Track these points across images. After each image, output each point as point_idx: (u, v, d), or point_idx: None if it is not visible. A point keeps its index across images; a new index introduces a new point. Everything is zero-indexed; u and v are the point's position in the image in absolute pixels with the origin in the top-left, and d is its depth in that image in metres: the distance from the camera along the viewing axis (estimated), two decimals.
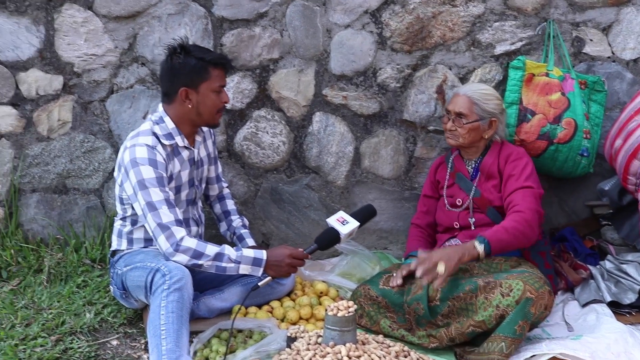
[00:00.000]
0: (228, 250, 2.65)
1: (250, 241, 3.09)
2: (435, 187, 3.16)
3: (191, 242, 2.59)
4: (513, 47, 3.36)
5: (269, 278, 2.67)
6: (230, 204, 3.21)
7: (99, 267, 3.32)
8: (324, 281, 3.17)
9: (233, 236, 3.14)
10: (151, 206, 2.60)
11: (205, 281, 2.90)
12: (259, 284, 2.65)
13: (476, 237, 2.67)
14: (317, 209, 3.53)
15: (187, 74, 2.74)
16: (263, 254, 2.69)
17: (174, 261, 2.58)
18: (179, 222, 2.61)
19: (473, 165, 3.05)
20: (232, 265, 2.64)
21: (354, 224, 2.74)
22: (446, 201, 3.07)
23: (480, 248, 2.63)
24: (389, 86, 3.42)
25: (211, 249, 2.62)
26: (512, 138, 3.20)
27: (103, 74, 3.37)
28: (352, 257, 3.28)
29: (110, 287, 2.97)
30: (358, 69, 3.41)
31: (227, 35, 3.35)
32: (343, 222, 2.74)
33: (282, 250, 2.73)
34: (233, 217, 3.17)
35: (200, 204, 3.06)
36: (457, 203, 3.01)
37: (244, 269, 2.66)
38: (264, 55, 3.38)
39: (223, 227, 3.18)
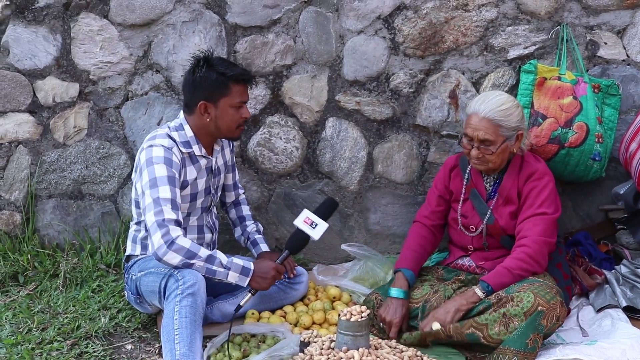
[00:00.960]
0: (220, 254, 2.64)
1: (264, 246, 3.07)
2: (449, 194, 2.97)
3: (185, 242, 2.57)
4: (526, 52, 3.34)
5: (249, 295, 2.67)
6: (246, 210, 3.20)
7: (114, 272, 3.34)
8: (337, 286, 3.15)
9: (247, 241, 3.13)
10: (156, 203, 2.59)
11: (219, 286, 2.90)
12: (241, 303, 2.66)
13: (479, 283, 2.66)
14: None
15: (207, 88, 2.73)
16: (251, 265, 2.68)
17: (164, 261, 2.55)
18: (177, 223, 2.59)
19: (492, 183, 2.85)
20: (222, 270, 2.62)
21: (323, 226, 2.73)
22: (460, 220, 2.90)
23: (482, 296, 2.62)
24: (401, 91, 3.41)
25: (204, 251, 2.60)
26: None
27: (118, 81, 3.39)
28: (365, 262, 3.25)
29: (125, 292, 2.99)
30: (371, 75, 3.40)
31: (240, 42, 3.36)
32: (312, 225, 2.72)
33: (269, 263, 2.71)
34: (248, 223, 3.16)
35: (215, 211, 3.06)
36: (471, 229, 2.87)
37: (232, 276, 2.64)
38: (277, 61, 3.38)
39: (238, 232, 3.18)
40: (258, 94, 3.41)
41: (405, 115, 3.44)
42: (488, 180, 2.87)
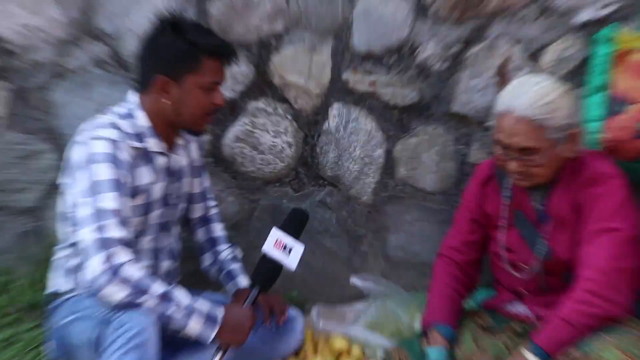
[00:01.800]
0: (179, 293, 2.30)
1: (243, 280, 2.67)
2: (486, 217, 2.55)
3: (135, 271, 2.24)
4: (602, 13, 2.80)
5: (219, 355, 2.33)
6: (219, 229, 2.82)
7: (34, 316, 2.90)
8: (344, 335, 2.83)
9: (220, 273, 2.73)
10: (96, 215, 2.27)
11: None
12: None
13: (528, 344, 2.23)
14: (335, 235, 3.14)
15: (169, 58, 2.42)
16: (219, 312, 2.36)
17: (102, 295, 2.24)
18: (125, 244, 2.29)
19: (540, 201, 2.41)
20: (180, 316, 2.27)
21: (298, 248, 2.46)
22: (503, 255, 2.47)
23: None
24: (432, 68, 2.98)
25: (158, 286, 2.28)
26: (596, 136, 2.71)
27: (46, 52, 3.06)
28: (382, 302, 2.93)
29: (47, 345, 2.54)
30: (390, 46, 2.98)
31: (214, 1, 2.99)
32: (285, 249, 2.46)
33: (245, 312, 2.41)
34: (221, 247, 2.77)
35: (177, 230, 2.69)
36: (521, 268, 2.46)
37: (193, 326, 2.29)
38: (263, 27, 3.01)
39: (207, 260, 2.77)
40: (237, 72, 3.01)
41: (436, 101, 3.02)
42: (535, 196, 2.43)
